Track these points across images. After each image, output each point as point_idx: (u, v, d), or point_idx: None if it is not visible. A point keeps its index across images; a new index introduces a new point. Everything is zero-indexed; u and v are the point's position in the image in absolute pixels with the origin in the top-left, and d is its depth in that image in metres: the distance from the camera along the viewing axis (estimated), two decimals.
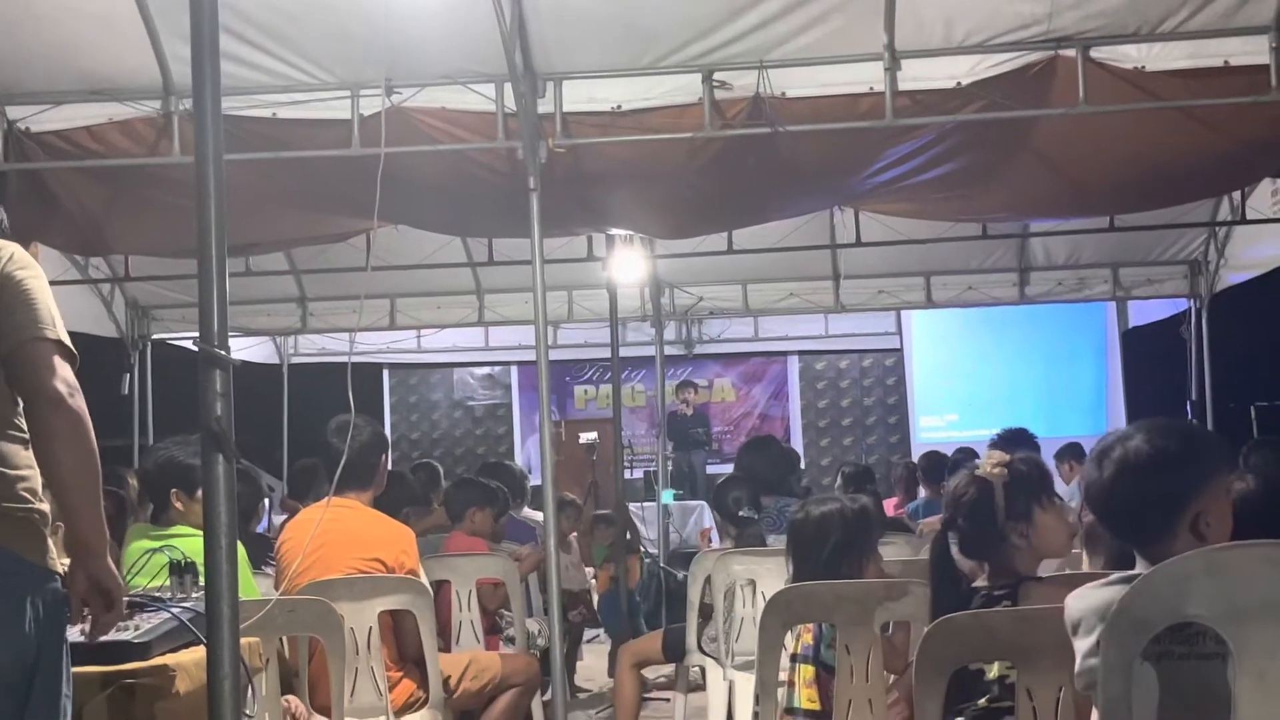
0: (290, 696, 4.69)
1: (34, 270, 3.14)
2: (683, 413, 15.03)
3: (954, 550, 3.74)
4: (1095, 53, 6.37)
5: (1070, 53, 6.37)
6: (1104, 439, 2.94)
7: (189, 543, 4.32)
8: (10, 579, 2.98)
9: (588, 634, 9.64)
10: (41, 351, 3.05)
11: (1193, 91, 6.46)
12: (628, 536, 9.40)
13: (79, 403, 3.04)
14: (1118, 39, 6.36)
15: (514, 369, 18.04)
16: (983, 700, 3.49)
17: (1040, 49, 6.40)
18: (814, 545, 4.45)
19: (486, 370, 18.31)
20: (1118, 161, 7.50)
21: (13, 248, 3.18)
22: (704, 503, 13.05)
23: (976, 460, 3.77)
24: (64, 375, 3.05)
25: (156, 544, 4.43)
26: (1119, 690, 2.58)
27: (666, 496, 11.09)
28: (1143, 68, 6.37)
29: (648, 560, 11.85)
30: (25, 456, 3.08)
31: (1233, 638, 2.50)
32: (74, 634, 3.22)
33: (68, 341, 3.11)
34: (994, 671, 3.47)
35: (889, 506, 9.78)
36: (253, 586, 5.05)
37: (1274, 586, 2.49)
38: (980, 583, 3.68)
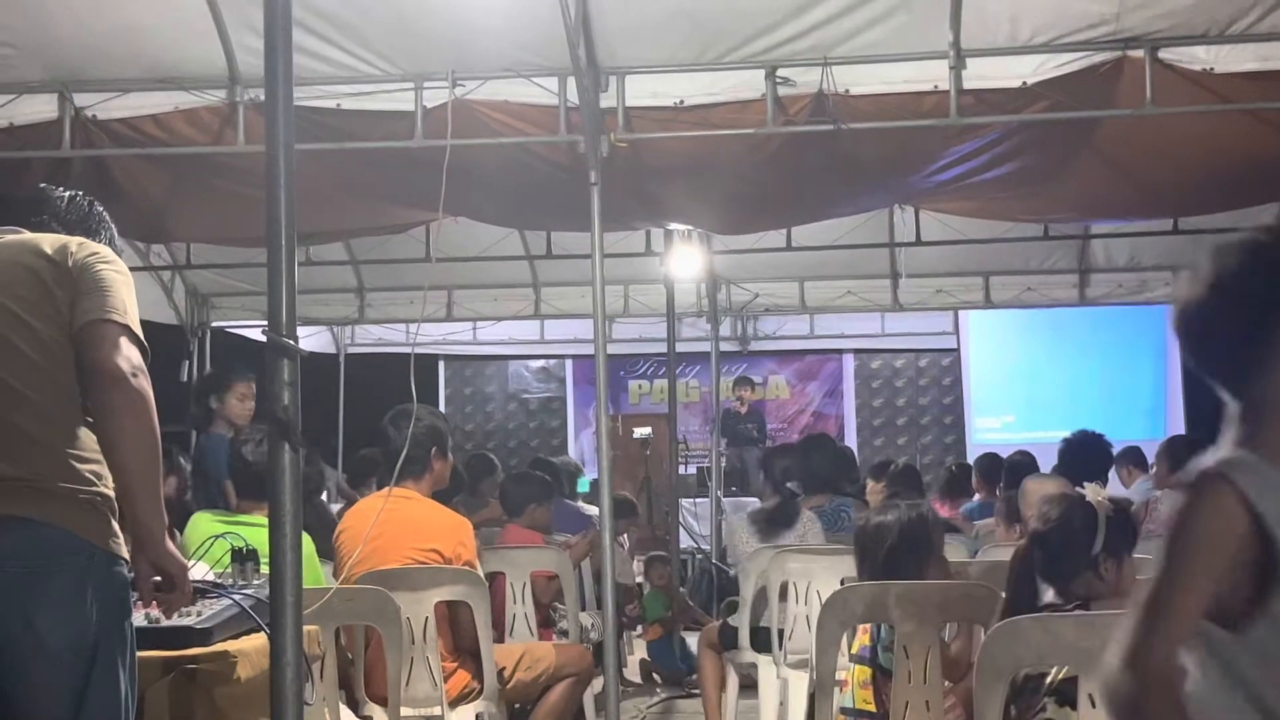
0: None
1: (117, 265, 3.16)
2: (737, 410, 15.01)
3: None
4: (1163, 54, 6.28)
5: (1138, 53, 6.28)
6: None
7: (253, 531, 4.35)
8: (71, 559, 2.98)
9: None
10: (106, 331, 3.04)
11: (1262, 93, 6.37)
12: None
13: (141, 384, 3.02)
14: (1187, 40, 6.27)
15: (568, 362, 18.04)
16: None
17: (1108, 49, 6.32)
18: (873, 548, 4.47)
19: (541, 363, 18.32)
20: (1183, 163, 7.41)
21: (102, 247, 3.22)
22: (757, 499, 13.00)
23: (1083, 488, 3.76)
24: (128, 354, 3.03)
25: (221, 529, 4.46)
26: None
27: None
28: (1211, 69, 6.28)
29: (699, 557, 11.88)
30: (93, 441, 3.07)
31: None
32: (139, 619, 3.24)
33: (139, 331, 3.10)
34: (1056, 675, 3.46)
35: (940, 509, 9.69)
36: (319, 574, 5.08)
37: None
38: (1049, 599, 3.65)
